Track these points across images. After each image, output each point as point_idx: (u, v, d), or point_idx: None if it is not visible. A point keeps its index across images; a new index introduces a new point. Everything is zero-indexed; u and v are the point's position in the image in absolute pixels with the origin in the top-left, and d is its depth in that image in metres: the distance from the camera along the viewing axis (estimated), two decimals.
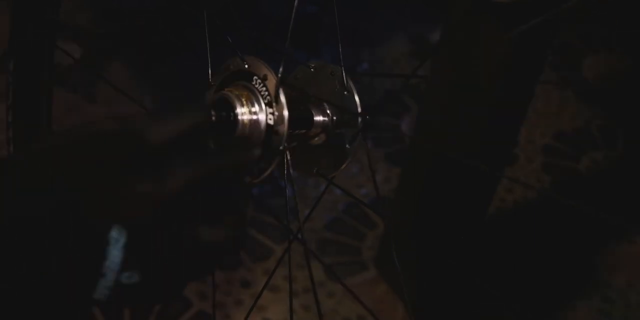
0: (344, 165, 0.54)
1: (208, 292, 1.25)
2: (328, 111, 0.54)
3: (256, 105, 0.52)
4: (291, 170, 0.54)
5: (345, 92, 0.53)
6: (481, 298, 1.11)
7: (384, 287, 1.29)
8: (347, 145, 0.53)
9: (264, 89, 0.52)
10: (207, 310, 1.23)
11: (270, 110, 0.51)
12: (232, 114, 0.51)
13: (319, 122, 0.54)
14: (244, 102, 0.52)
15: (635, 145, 1.63)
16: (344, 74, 0.53)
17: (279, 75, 0.51)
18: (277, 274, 1.29)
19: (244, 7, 1.75)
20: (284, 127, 0.51)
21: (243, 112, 0.51)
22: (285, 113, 0.50)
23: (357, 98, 0.52)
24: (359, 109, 0.52)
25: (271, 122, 0.51)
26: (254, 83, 0.52)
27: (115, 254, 0.38)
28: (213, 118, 0.50)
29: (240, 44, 0.55)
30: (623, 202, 1.46)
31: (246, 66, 0.53)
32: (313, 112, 0.54)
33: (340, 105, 0.53)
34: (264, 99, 0.51)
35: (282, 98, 0.51)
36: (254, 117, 0.51)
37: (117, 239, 0.38)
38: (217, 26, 0.57)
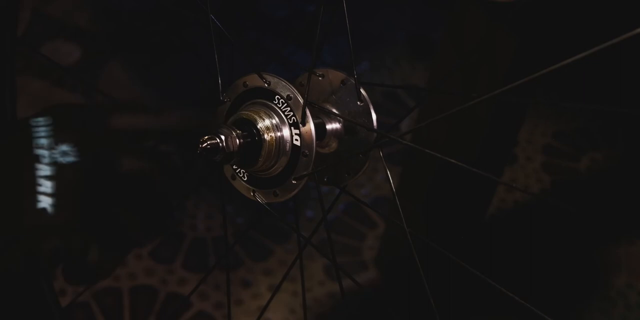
0: (358, 175, 0.53)
1: (208, 292, 1.25)
2: (340, 119, 0.53)
3: (281, 126, 0.51)
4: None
5: (359, 102, 0.52)
6: (483, 297, 1.11)
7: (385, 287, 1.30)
8: (360, 155, 0.53)
9: (288, 109, 0.51)
10: (207, 310, 1.23)
11: (296, 131, 0.51)
12: (257, 136, 0.50)
13: (331, 131, 0.53)
14: (270, 125, 0.51)
15: (635, 145, 1.63)
16: (357, 85, 0.52)
17: (305, 96, 0.50)
18: (277, 273, 1.30)
19: (244, 7, 1.75)
20: (312, 149, 0.50)
21: (269, 135, 0.51)
22: (314, 134, 0.50)
23: (373, 113, 0.52)
24: (375, 123, 0.51)
25: (297, 143, 0.51)
26: (276, 102, 0.51)
27: (42, 130, 0.43)
28: (238, 141, 0.50)
29: (244, 49, 0.55)
30: (623, 202, 1.46)
31: (266, 84, 0.52)
32: (324, 121, 0.53)
33: (363, 124, 0.52)
34: (288, 119, 0.51)
35: (310, 120, 0.50)
36: (280, 139, 0.51)
37: (39, 120, 0.43)
38: (225, 38, 0.56)
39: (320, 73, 0.54)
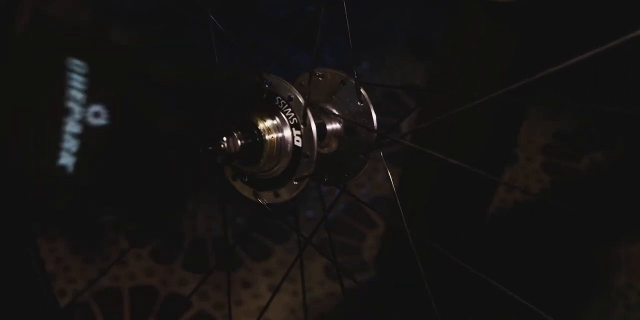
0: (358, 175, 0.53)
1: (208, 292, 1.25)
2: (340, 120, 0.53)
3: (282, 127, 0.51)
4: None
5: (359, 103, 0.52)
6: (483, 297, 1.11)
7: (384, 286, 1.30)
8: (360, 155, 0.53)
9: (289, 110, 0.51)
10: (207, 310, 1.23)
11: (297, 132, 0.51)
12: (258, 137, 0.50)
13: (331, 132, 0.53)
14: (271, 126, 0.51)
15: (635, 145, 1.63)
16: (357, 85, 0.52)
17: (306, 97, 0.50)
18: (277, 273, 1.30)
19: (244, 7, 1.75)
20: (314, 150, 0.50)
21: (270, 136, 0.51)
22: (315, 135, 0.50)
23: (373, 113, 0.52)
24: (375, 123, 0.51)
25: (299, 144, 0.51)
26: (277, 103, 0.51)
27: (78, 80, 0.39)
28: (239, 142, 0.50)
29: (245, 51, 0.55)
30: (623, 202, 1.46)
31: (267, 85, 0.52)
32: (325, 122, 0.53)
33: (364, 125, 0.52)
34: (289, 120, 0.51)
35: (312, 121, 0.50)
36: (281, 140, 0.51)
37: (78, 65, 0.40)
38: (229, 40, 0.56)
39: (320, 73, 0.54)
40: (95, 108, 0.40)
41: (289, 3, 1.77)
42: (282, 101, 0.51)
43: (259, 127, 0.51)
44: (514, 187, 1.50)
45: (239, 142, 0.49)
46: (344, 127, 0.53)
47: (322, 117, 0.53)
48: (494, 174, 1.12)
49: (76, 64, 0.41)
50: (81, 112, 0.39)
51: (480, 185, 1.12)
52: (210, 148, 0.48)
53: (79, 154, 0.39)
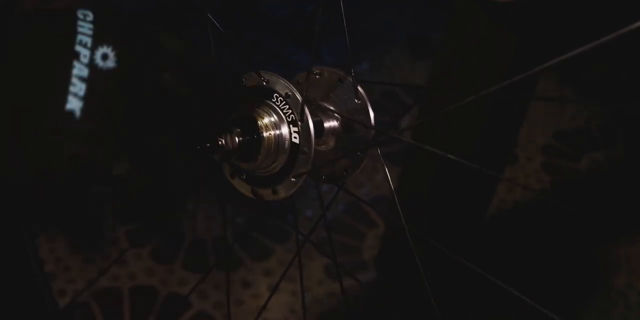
0: (356, 172, 0.53)
1: (208, 292, 1.25)
2: (337, 117, 0.54)
3: (280, 124, 0.51)
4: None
5: (357, 100, 0.52)
6: (483, 296, 1.11)
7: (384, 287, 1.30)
8: (357, 153, 0.53)
9: (286, 107, 0.51)
10: (207, 310, 1.23)
11: (294, 129, 0.51)
12: (256, 134, 0.51)
13: (328, 129, 0.54)
14: (268, 123, 0.51)
15: (635, 145, 1.63)
16: (354, 82, 0.52)
17: (304, 93, 0.50)
18: (277, 273, 1.30)
19: (244, 7, 1.75)
20: (311, 147, 0.50)
21: (268, 133, 0.51)
22: (312, 132, 0.50)
23: (370, 110, 0.52)
24: (373, 121, 0.51)
25: (296, 141, 0.51)
26: (274, 100, 0.52)
27: (85, 26, 0.38)
28: (237, 139, 0.50)
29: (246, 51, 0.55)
30: (623, 202, 1.46)
31: (264, 83, 0.52)
32: (322, 119, 0.53)
33: (361, 122, 0.52)
34: (287, 117, 0.51)
35: (309, 117, 0.50)
36: (279, 137, 0.51)
37: (85, 14, 0.39)
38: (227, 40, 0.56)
39: (317, 72, 0.54)
40: (103, 50, 0.39)
41: (289, 3, 1.77)
42: (280, 98, 0.51)
43: (257, 124, 0.51)
44: (515, 183, 1.50)
45: (236, 139, 0.50)
46: (342, 124, 0.53)
47: (320, 114, 0.53)
48: (493, 172, 1.12)
49: (83, 12, 0.40)
50: (90, 56, 0.38)
51: (480, 184, 1.12)
52: (208, 145, 0.48)
53: (86, 99, 0.37)
